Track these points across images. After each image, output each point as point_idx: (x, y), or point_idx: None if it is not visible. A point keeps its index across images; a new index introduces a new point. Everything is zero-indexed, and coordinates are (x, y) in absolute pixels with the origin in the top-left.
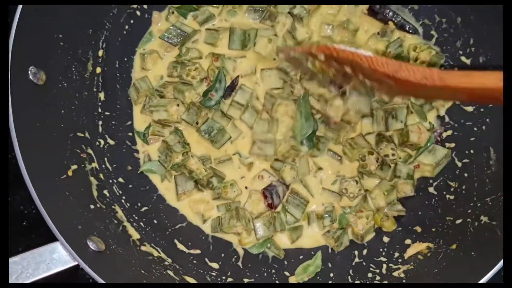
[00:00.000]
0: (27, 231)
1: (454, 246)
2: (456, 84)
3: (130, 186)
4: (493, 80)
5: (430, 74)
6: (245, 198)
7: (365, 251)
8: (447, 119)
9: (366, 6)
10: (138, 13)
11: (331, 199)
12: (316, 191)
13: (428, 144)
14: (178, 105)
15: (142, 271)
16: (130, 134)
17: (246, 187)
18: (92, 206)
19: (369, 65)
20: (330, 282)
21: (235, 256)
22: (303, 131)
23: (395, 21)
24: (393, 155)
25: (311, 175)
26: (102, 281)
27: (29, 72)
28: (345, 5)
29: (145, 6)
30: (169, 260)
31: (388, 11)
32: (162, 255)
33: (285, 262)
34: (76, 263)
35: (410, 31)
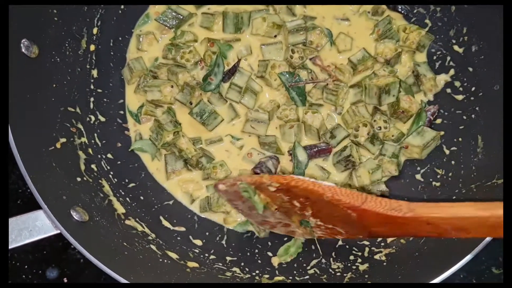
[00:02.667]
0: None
1: None
2: (427, 214)
3: (119, 162)
4: (468, 209)
5: (399, 206)
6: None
7: None
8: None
9: None
10: None
11: (318, 172)
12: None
13: (420, 124)
14: (172, 86)
15: (125, 243)
16: (122, 112)
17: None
18: (78, 179)
19: (332, 196)
20: (313, 262)
21: (219, 235)
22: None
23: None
24: (385, 127)
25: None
26: (84, 250)
27: (22, 45)
28: None
29: None
30: (153, 235)
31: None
32: (146, 230)
33: (269, 243)
34: (58, 231)
35: (403, 12)
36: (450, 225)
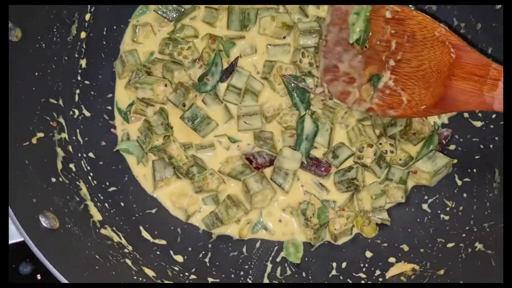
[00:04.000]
0: None
1: (441, 272)
2: None
3: (101, 163)
4: None
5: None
6: (228, 187)
7: (344, 264)
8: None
9: None
10: None
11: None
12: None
13: (431, 148)
14: (165, 85)
15: (97, 256)
16: (109, 108)
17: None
18: (53, 179)
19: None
20: None
21: (203, 252)
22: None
23: None
24: (391, 152)
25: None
26: (48, 263)
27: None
28: None
29: None
30: (130, 247)
31: None
32: (123, 241)
33: (255, 261)
34: (22, 239)
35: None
36: None
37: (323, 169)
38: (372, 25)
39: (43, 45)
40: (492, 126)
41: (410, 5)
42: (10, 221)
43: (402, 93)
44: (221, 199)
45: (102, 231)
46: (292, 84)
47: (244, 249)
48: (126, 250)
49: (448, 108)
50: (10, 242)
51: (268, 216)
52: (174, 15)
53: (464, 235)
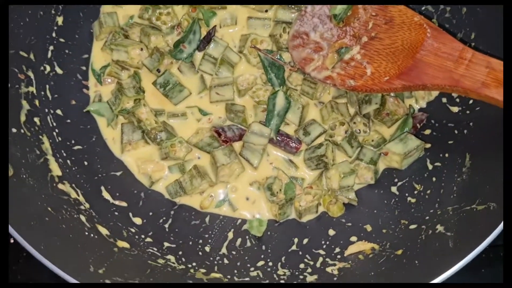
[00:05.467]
0: None
1: (399, 252)
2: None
3: (68, 121)
4: None
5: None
6: (194, 155)
7: (305, 241)
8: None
9: None
10: None
11: (284, 165)
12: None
13: (405, 130)
14: (141, 49)
15: (49, 209)
16: (84, 68)
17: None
18: (14, 130)
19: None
20: (259, 264)
21: (164, 218)
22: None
23: None
24: (365, 132)
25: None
26: None
27: None
28: None
29: None
30: (87, 205)
31: None
32: (81, 198)
33: (216, 231)
34: None
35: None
36: None
37: (293, 145)
38: (354, 6)
39: None
40: (468, 112)
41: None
42: None
43: (367, 66)
44: (187, 169)
45: (60, 186)
46: (267, 58)
47: (207, 219)
48: (82, 207)
49: (412, 80)
50: None
51: (234, 191)
52: None
53: (427, 217)
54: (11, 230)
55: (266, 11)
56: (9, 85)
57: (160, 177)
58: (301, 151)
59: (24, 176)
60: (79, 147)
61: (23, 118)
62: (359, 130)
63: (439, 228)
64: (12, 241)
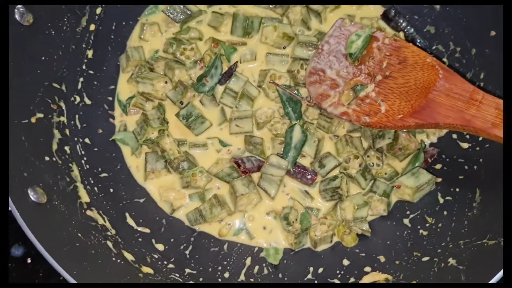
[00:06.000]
0: None
1: (413, 283)
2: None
3: (96, 149)
4: None
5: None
6: (214, 185)
7: (320, 270)
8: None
9: (381, 11)
10: None
11: (300, 196)
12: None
13: (417, 164)
14: (166, 82)
15: (79, 234)
16: (110, 98)
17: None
18: (47, 158)
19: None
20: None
21: (185, 244)
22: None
23: (407, 32)
24: (378, 165)
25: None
26: (30, 232)
27: (16, 10)
28: (364, 6)
29: None
30: (113, 231)
31: (402, 21)
32: (107, 224)
33: (234, 258)
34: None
35: (421, 46)
36: None
37: (309, 177)
38: (369, 46)
39: (53, 32)
40: (478, 148)
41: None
42: None
43: (381, 103)
44: (207, 198)
45: (88, 212)
46: (285, 93)
47: (225, 246)
48: (108, 233)
49: (425, 118)
50: None
51: (251, 220)
52: (181, 17)
53: (439, 250)
54: (47, 256)
55: (284, 47)
56: (42, 115)
57: (181, 205)
58: (317, 183)
59: (56, 203)
60: (105, 174)
61: (55, 146)
62: (373, 163)
63: (451, 261)
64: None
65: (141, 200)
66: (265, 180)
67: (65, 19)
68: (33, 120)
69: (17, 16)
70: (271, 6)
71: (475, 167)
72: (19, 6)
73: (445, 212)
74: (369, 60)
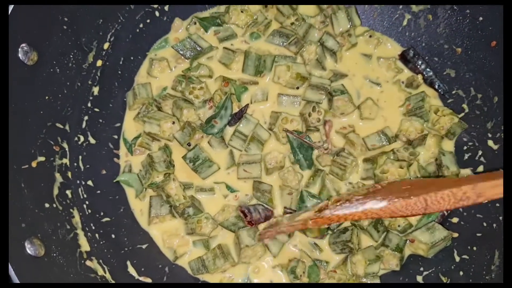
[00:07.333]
0: None
1: None
2: (492, 196)
3: (99, 191)
4: None
5: (464, 193)
6: (219, 233)
7: None
8: None
9: (399, 51)
10: (157, 13)
11: (308, 248)
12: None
13: (431, 218)
14: (173, 122)
15: None
16: (115, 137)
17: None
18: (47, 205)
19: (391, 216)
20: None
21: None
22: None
23: (425, 75)
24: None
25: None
26: None
27: (20, 49)
28: (382, 46)
29: (166, 8)
30: (113, 282)
31: (420, 62)
32: (107, 275)
33: None
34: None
35: (440, 90)
36: None
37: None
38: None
39: (58, 70)
40: (497, 205)
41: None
42: None
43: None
44: (212, 245)
45: (88, 263)
46: (295, 139)
47: None
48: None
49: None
50: None
51: (256, 272)
52: (191, 53)
53: None
54: None
55: (298, 88)
56: (44, 158)
57: (185, 252)
58: (327, 235)
59: (54, 254)
60: (108, 219)
61: (56, 191)
62: None
63: None
64: None
65: (144, 246)
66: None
67: (71, 56)
68: (33, 164)
69: (20, 55)
70: (285, 44)
71: (494, 225)
72: (23, 44)
73: (461, 273)
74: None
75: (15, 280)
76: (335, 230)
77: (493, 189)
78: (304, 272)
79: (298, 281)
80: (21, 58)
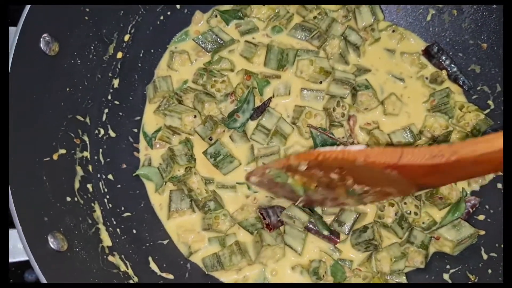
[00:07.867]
0: None
1: None
2: (467, 154)
3: (119, 186)
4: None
5: (440, 151)
6: (236, 231)
7: None
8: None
9: (423, 46)
10: (177, 6)
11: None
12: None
13: (456, 215)
14: (195, 116)
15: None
16: (135, 130)
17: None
18: (68, 199)
19: (365, 160)
20: None
21: None
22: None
23: (450, 71)
24: (415, 213)
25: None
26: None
27: (42, 39)
28: (405, 41)
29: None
30: (135, 278)
31: (445, 58)
32: (130, 271)
33: None
34: (26, 258)
35: (464, 86)
36: (497, 161)
37: (331, 240)
38: (300, 176)
39: (78, 61)
40: None
41: None
42: (17, 237)
43: (384, 188)
44: (227, 244)
45: (110, 258)
46: (319, 135)
47: None
48: (131, 281)
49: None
50: (14, 260)
51: (274, 275)
52: (213, 46)
53: None
54: None
55: (321, 82)
56: (65, 151)
57: (199, 248)
58: (347, 239)
59: (77, 249)
60: (128, 214)
61: (77, 185)
62: (410, 211)
63: None
64: None
65: (165, 242)
66: (289, 235)
67: (92, 47)
68: (55, 157)
69: (42, 46)
70: (307, 38)
71: None
72: (44, 34)
73: (489, 271)
74: (318, 181)
75: (39, 275)
76: (351, 232)
77: (467, 147)
78: (326, 272)
79: (321, 282)
80: (42, 48)
